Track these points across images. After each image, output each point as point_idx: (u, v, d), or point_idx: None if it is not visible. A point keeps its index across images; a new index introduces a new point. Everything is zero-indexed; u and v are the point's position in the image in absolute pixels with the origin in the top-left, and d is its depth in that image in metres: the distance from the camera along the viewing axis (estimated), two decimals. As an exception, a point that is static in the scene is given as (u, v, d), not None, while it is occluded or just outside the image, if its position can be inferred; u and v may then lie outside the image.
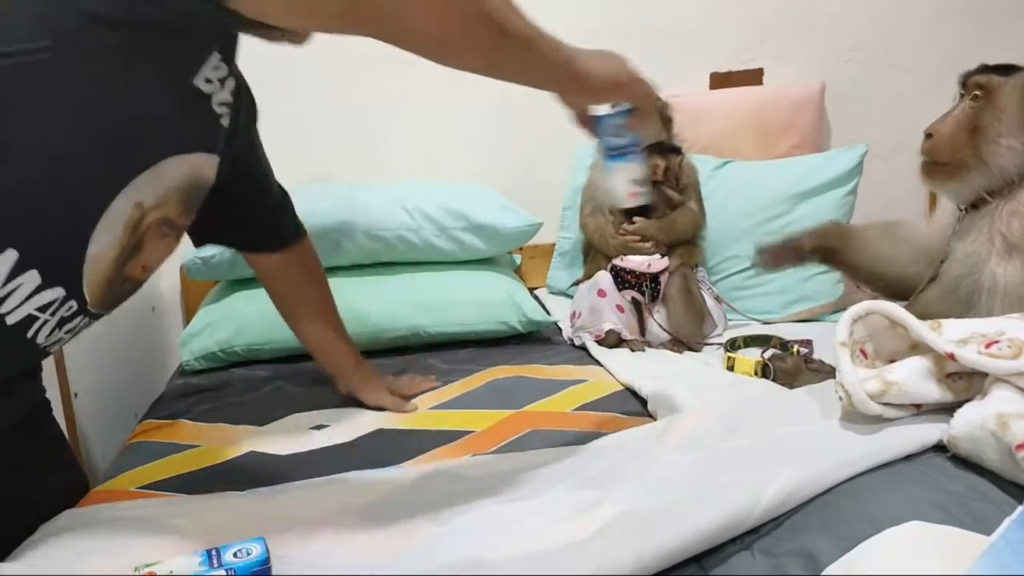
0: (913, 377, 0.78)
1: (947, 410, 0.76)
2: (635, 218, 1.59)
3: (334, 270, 1.56)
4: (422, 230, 1.63)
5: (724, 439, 0.88)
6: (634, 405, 1.19)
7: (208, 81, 0.77)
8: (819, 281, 1.73)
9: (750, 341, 1.50)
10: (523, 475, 0.94)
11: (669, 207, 1.61)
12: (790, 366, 1.28)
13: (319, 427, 1.15)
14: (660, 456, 0.90)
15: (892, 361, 0.83)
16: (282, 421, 1.19)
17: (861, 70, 2.12)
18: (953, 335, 0.79)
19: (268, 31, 0.75)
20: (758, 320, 1.70)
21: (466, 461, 1.02)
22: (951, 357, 0.75)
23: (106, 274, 0.78)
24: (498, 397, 1.23)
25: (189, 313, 1.95)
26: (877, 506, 0.67)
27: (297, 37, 0.83)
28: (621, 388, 1.26)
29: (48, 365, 0.94)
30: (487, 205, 1.69)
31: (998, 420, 0.69)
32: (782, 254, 1.28)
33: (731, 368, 1.37)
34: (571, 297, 1.74)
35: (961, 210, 1.11)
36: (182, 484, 0.99)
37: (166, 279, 1.95)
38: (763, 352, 1.36)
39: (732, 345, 1.47)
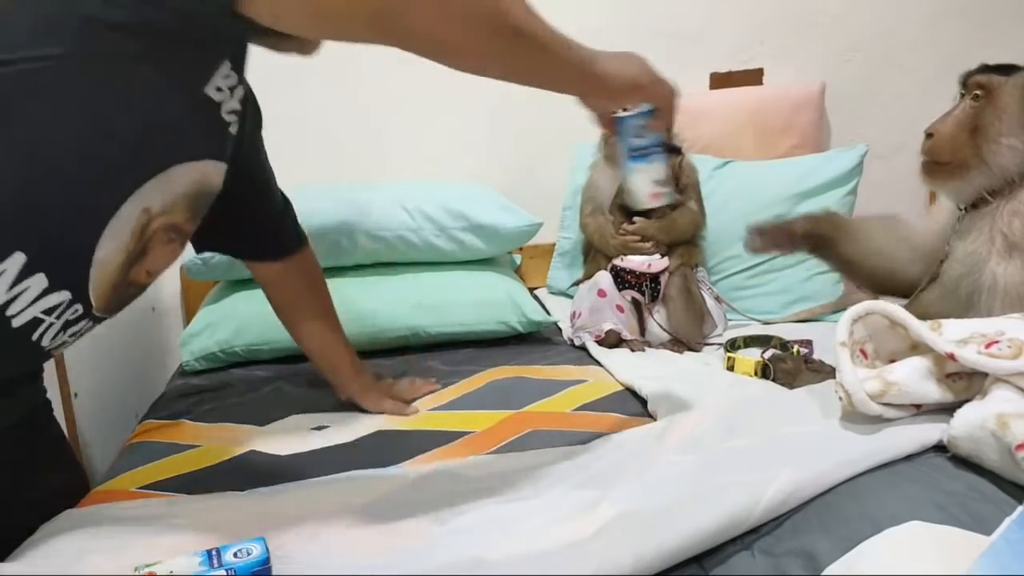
0: (913, 377, 0.78)
1: (947, 410, 0.76)
2: (635, 218, 1.59)
3: (334, 270, 1.56)
4: (422, 230, 1.63)
5: (724, 439, 0.88)
6: (634, 405, 1.19)
7: (219, 89, 0.77)
8: (819, 281, 1.73)
9: (750, 341, 1.50)
10: (523, 475, 0.94)
11: (669, 207, 1.61)
12: (790, 366, 1.28)
13: (320, 428, 1.15)
14: (660, 456, 0.90)
15: (892, 361, 0.83)
16: (282, 421, 1.19)
17: (861, 70, 2.12)
18: (953, 335, 0.79)
19: (279, 41, 0.75)
20: (758, 320, 1.70)
21: (466, 461, 1.02)
22: (951, 357, 0.75)
23: (112, 278, 0.78)
24: (498, 397, 1.23)
25: (189, 313, 1.95)
26: (877, 506, 0.67)
27: (307, 47, 0.83)
28: (621, 388, 1.26)
29: (48, 365, 0.94)
30: (487, 205, 1.69)
31: (998, 420, 0.69)
32: (774, 236, 1.27)
33: (731, 368, 1.37)
34: (571, 297, 1.74)
35: (961, 210, 1.11)
36: (182, 484, 0.99)
37: (166, 280, 1.94)
38: (763, 352, 1.36)
39: (732, 345, 1.47)
